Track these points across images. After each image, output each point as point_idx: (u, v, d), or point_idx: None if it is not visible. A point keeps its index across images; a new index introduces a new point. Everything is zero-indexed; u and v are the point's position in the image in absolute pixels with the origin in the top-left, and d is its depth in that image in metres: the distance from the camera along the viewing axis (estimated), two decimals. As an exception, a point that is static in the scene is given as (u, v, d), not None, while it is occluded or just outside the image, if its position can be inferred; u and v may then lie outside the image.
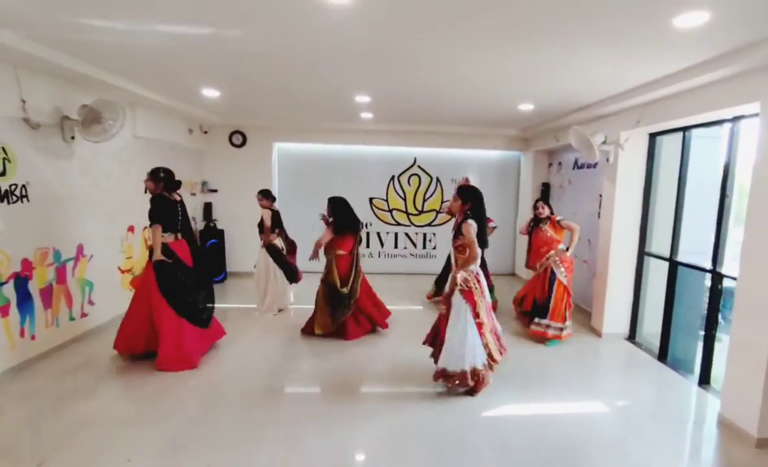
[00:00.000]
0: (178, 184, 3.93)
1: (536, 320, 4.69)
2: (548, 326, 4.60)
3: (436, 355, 3.57)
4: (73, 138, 4.11)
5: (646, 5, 2.28)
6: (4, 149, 3.49)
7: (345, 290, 4.50)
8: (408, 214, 7.99)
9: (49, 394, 3.30)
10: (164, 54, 3.46)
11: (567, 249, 4.63)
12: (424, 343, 3.75)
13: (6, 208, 3.52)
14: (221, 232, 7.16)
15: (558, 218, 4.73)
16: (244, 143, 7.36)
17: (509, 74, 3.79)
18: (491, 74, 3.80)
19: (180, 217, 3.86)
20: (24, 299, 3.70)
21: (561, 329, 4.59)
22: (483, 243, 3.42)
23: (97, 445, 2.75)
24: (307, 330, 4.66)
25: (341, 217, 4.53)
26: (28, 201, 3.72)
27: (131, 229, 5.19)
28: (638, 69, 3.46)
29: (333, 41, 3.05)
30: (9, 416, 3.05)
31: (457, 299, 3.35)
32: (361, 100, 5.10)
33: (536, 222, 4.86)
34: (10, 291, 3.57)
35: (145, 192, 3.82)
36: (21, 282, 3.66)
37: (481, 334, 3.36)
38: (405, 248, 8.08)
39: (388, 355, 4.28)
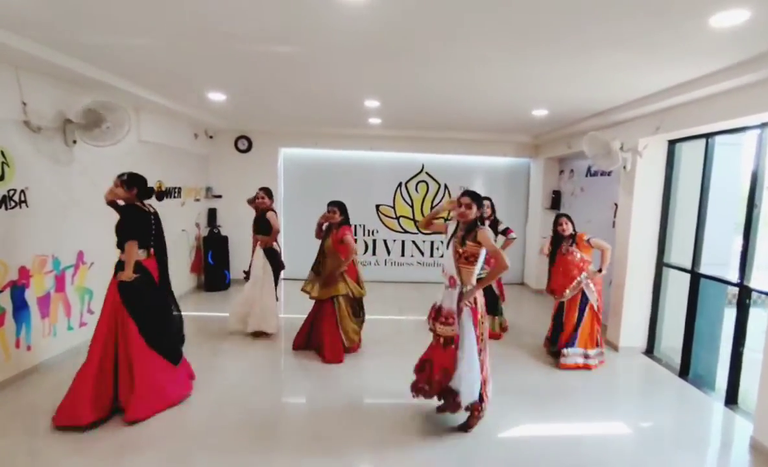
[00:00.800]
0: (152, 191, 3.42)
1: (566, 351, 4.17)
2: (587, 356, 4.18)
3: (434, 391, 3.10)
4: (75, 142, 4.00)
5: (683, 3, 2.13)
6: (3, 153, 3.37)
7: (364, 292, 4.38)
8: (415, 221, 7.84)
9: (45, 409, 3.11)
10: (170, 56, 3.35)
11: (600, 270, 4.17)
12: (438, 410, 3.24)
13: (3, 213, 3.39)
14: (225, 239, 7.05)
15: (587, 237, 4.20)
16: (249, 148, 7.25)
17: (524, 78, 3.65)
18: (505, 78, 3.67)
19: (153, 231, 3.32)
20: (20, 308, 3.56)
21: (601, 354, 4.25)
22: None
23: None
24: (337, 355, 4.21)
25: (348, 218, 4.36)
26: (26, 206, 3.60)
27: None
28: (660, 73, 3.31)
29: (343, 41, 2.93)
30: (3, 433, 2.89)
31: (465, 317, 2.91)
32: (370, 104, 4.99)
33: (558, 239, 4.34)
34: (6, 300, 3.43)
35: (111, 203, 3.22)
36: (17, 290, 3.53)
37: (482, 362, 2.95)
38: (412, 256, 7.92)
39: (395, 372, 4.08)
